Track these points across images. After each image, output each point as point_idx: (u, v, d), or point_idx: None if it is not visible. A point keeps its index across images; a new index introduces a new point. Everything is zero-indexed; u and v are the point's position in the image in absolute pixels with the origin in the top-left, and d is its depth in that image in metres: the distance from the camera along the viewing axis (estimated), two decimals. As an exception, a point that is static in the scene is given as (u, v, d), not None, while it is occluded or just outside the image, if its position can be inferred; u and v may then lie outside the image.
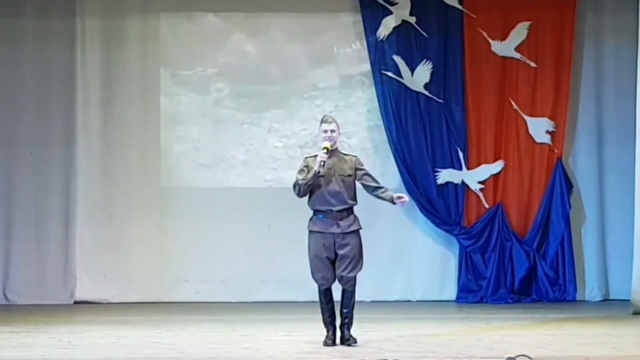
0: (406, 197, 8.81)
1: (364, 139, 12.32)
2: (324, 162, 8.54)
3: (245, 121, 12.43)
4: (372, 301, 12.09)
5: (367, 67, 12.30)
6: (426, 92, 12.22)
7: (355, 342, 8.68)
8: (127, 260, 12.27)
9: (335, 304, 8.76)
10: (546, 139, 12.28)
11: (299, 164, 8.83)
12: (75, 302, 12.18)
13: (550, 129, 12.27)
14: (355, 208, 8.78)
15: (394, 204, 8.78)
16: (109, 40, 12.28)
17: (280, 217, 11.96)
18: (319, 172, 8.55)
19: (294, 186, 8.68)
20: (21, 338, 9.33)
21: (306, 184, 8.60)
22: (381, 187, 8.81)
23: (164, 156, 12.37)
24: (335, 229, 8.63)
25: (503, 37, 12.25)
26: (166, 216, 12.33)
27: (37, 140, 12.25)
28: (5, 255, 12.22)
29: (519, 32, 12.25)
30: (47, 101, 12.24)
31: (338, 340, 8.73)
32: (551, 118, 12.28)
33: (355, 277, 8.68)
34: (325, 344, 8.69)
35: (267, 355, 8.26)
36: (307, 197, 8.73)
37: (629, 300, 11.05)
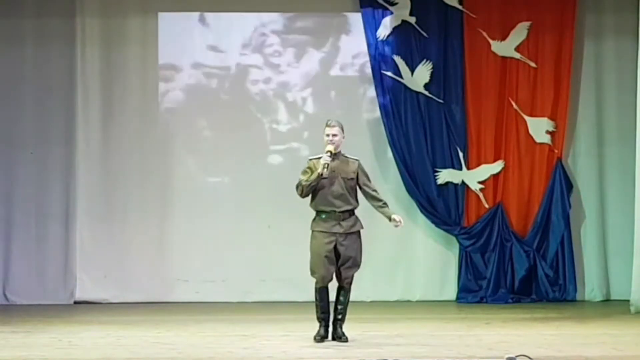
0: (402, 223, 8.91)
1: (364, 139, 12.31)
2: (327, 164, 8.67)
3: (245, 121, 12.43)
4: (372, 301, 12.09)
5: (367, 67, 12.30)
6: (426, 92, 12.22)
7: (347, 339, 8.81)
8: (127, 260, 12.26)
9: (330, 304, 8.90)
10: (546, 139, 12.28)
11: (303, 166, 8.95)
12: (75, 302, 12.17)
13: (550, 129, 12.27)
14: (356, 209, 8.93)
15: (389, 218, 8.93)
16: (109, 40, 12.28)
17: (280, 217, 11.96)
18: (322, 174, 8.69)
19: (297, 187, 8.82)
20: (21, 338, 9.33)
21: (309, 185, 8.74)
22: (380, 200, 8.97)
23: (164, 156, 12.36)
24: (337, 229, 8.78)
25: (503, 37, 12.25)
26: (166, 216, 12.33)
27: (37, 140, 12.25)
28: (5, 255, 12.22)
29: (519, 32, 12.25)
30: (47, 101, 12.24)
31: (329, 337, 8.87)
32: (551, 118, 12.27)
33: (353, 275, 8.83)
34: (315, 339, 8.86)
35: (267, 355, 8.26)
36: (309, 199, 8.86)
37: (629, 300, 11.05)
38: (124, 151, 12.31)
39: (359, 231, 8.89)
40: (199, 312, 11.25)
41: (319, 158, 8.79)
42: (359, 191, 8.97)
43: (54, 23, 12.22)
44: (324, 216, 8.79)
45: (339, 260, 8.79)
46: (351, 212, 8.86)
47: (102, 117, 12.30)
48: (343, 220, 8.79)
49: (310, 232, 8.91)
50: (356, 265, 8.85)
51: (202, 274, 12.28)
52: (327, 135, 8.81)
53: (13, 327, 10.04)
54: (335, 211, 8.77)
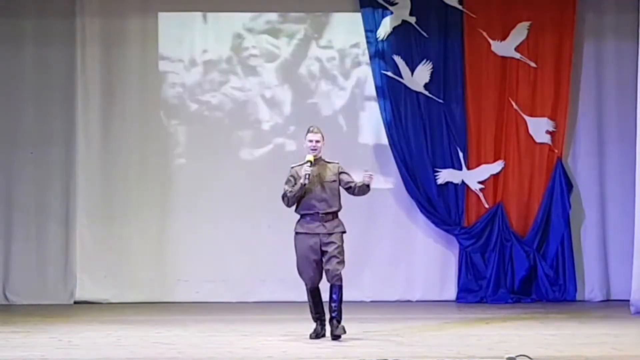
0: (371, 172, 9.07)
1: (364, 139, 12.31)
2: (309, 174, 8.94)
3: (246, 121, 12.43)
4: (372, 301, 12.09)
5: (367, 67, 12.30)
6: (426, 92, 12.22)
7: (345, 331, 8.92)
8: (127, 260, 12.27)
9: (325, 304, 9.04)
10: (546, 139, 12.28)
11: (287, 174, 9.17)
12: (75, 302, 12.18)
13: (550, 129, 12.27)
14: (339, 213, 9.13)
15: (367, 185, 9.03)
16: (109, 40, 12.28)
17: (280, 217, 11.93)
18: (304, 184, 8.95)
19: (283, 197, 9.09)
20: (21, 338, 9.33)
21: (294, 195, 9.02)
22: (355, 182, 9.14)
23: (164, 156, 12.36)
24: (321, 230, 9.02)
25: (503, 37, 12.25)
26: (166, 216, 12.33)
27: (37, 140, 12.25)
28: (5, 255, 12.23)
29: (519, 32, 12.25)
30: (47, 101, 12.24)
31: (328, 336, 8.99)
32: (551, 118, 12.28)
33: (341, 272, 8.95)
34: (310, 336, 9.05)
35: (267, 355, 8.26)
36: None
37: (629, 300, 11.05)
38: (124, 151, 12.31)
39: (342, 232, 9.06)
40: (199, 312, 11.26)
41: (301, 165, 9.05)
42: (344, 193, 9.16)
43: (54, 23, 12.23)
44: (307, 218, 9.02)
45: (324, 258, 8.96)
46: (334, 215, 9.07)
47: (102, 117, 12.31)
48: (326, 221, 9.01)
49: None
50: (342, 261, 8.97)
51: (202, 274, 12.28)
52: (311, 141, 9.09)
53: (13, 327, 10.03)
54: (318, 212, 8.99)
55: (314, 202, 8.99)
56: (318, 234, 8.97)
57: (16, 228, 12.25)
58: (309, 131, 9.14)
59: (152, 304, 12.03)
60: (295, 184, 9.01)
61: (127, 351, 8.53)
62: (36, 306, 11.86)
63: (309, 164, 8.97)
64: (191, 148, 12.41)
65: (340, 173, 9.12)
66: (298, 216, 9.12)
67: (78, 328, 10.01)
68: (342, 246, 9.01)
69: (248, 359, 8.20)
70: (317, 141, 9.08)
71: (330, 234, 8.97)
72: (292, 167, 9.15)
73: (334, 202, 9.05)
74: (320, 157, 9.13)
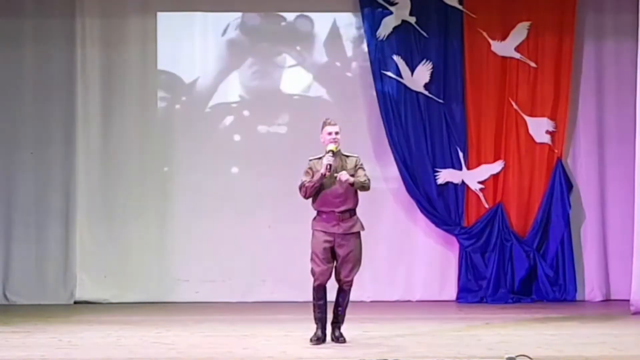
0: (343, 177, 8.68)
1: (364, 139, 12.30)
2: (330, 165, 8.65)
3: (245, 122, 12.43)
4: (372, 301, 12.09)
5: (367, 67, 12.30)
6: (426, 92, 12.22)
7: (345, 341, 8.82)
8: (127, 260, 12.27)
9: (330, 305, 8.91)
10: (546, 139, 12.28)
11: (304, 166, 8.93)
12: (75, 302, 12.17)
13: (550, 129, 12.27)
14: (357, 209, 8.92)
15: (351, 183, 8.73)
16: (108, 40, 12.28)
17: (280, 217, 11.97)
18: (324, 174, 8.67)
19: (300, 188, 8.80)
20: (21, 338, 9.34)
21: (313, 186, 8.74)
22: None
23: (164, 156, 12.36)
24: (336, 229, 8.78)
25: (503, 37, 12.25)
26: (166, 216, 12.33)
27: (37, 140, 12.25)
28: (5, 255, 12.22)
29: (519, 32, 12.25)
30: (47, 101, 12.24)
31: (328, 339, 8.88)
32: (551, 118, 12.28)
33: (353, 278, 8.83)
34: (311, 341, 8.84)
35: (267, 355, 8.27)
36: (310, 199, 8.86)
37: (629, 300, 11.05)
38: (124, 151, 12.31)
39: (358, 232, 8.87)
40: (199, 312, 11.26)
41: (320, 158, 8.80)
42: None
43: (54, 23, 12.22)
44: (324, 216, 8.79)
45: (337, 261, 8.79)
46: (352, 212, 8.84)
47: (102, 117, 12.30)
48: (342, 220, 8.78)
49: (311, 231, 8.91)
50: (355, 266, 8.83)
51: (202, 274, 12.27)
52: (330, 133, 8.79)
53: (13, 327, 10.04)
54: (334, 211, 8.76)
55: (330, 197, 8.74)
56: (333, 233, 8.75)
57: (16, 228, 12.25)
58: (326, 124, 8.85)
59: (152, 304, 12.03)
60: (314, 175, 8.73)
61: (127, 351, 8.54)
62: (36, 306, 11.86)
63: (330, 153, 8.68)
64: (191, 148, 12.40)
65: (357, 167, 8.84)
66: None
67: (78, 328, 10.01)
68: (358, 249, 8.83)
69: (248, 359, 8.20)
70: (337, 133, 8.78)
71: (345, 235, 8.76)
72: (311, 160, 8.90)
73: (351, 198, 8.79)
74: (340, 150, 8.84)
